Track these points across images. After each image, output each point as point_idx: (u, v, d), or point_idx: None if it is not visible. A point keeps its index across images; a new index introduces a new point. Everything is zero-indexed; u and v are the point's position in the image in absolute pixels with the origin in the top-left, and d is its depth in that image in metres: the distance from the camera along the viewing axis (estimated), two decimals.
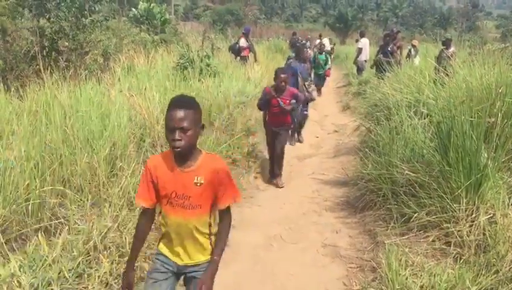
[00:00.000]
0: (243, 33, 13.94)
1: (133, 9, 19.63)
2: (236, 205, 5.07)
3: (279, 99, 6.14)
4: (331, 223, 5.19)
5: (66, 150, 4.59)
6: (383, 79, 9.53)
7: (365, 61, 15.19)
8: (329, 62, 14.58)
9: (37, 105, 5.63)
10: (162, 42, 15.40)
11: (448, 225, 4.04)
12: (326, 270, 4.19)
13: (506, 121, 4.42)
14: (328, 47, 19.05)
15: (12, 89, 6.14)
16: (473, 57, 7.39)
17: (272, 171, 6.67)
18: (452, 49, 10.31)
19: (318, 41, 19.72)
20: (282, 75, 6.10)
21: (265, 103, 6.31)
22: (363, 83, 13.34)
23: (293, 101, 6.21)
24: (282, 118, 6.38)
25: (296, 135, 9.02)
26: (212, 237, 2.41)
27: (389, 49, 11.75)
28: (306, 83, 8.26)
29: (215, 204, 2.36)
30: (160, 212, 2.43)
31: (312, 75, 11.56)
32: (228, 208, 2.40)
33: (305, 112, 9.04)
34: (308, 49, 15.41)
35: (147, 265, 3.79)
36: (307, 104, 8.88)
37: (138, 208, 4.28)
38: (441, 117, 4.73)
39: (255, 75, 12.16)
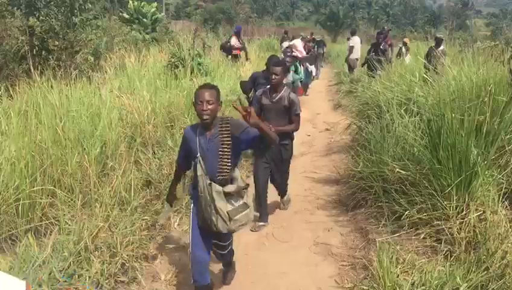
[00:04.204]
0: (234, 32, 13.93)
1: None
2: None
3: None
4: (323, 221, 5.20)
5: (57, 149, 4.57)
6: (373, 77, 9.55)
7: (356, 59, 15.23)
8: (301, 73, 10.66)
9: (27, 105, 5.59)
10: (153, 41, 15.35)
11: (439, 223, 4.06)
12: (318, 268, 4.20)
13: (495, 118, 4.44)
14: (302, 53, 12.57)
15: (2, 89, 6.08)
16: (463, 55, 7.43)
17: None
18: (442, 47, 10.36)
19: (286, 43, 14.78)
20: None
21: None
22: (354, 81, 13.36)
23: None
24: None
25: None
26: None
27: (381, 47, 11.82)
28: None
29: None
30: None
31: None
32: None
33: None
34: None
35: (138, 265, 3.79)
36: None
37: (130, 208, 4.28)
38: (431, 115, 4.75)
39: (246, 74, 12.15)
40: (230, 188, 3.17)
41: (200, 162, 3.15)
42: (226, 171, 3.13)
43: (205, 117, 3.04)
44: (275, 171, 5.11)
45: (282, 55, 9.91)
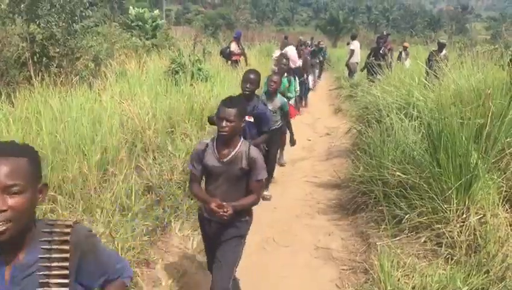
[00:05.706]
0: (234, 37, 13.95)
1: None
2: None
3: None
4: (324, 225, 5.21)
5: (57, 155, 4.58)
6: (373, 82, 9.57)
7: (357, 63, 15.27)
8: (296, 89, 8.47)
9: (27, 111, 5.61)
10: (153, 47, 15.37)
11: (440, 226, 4.06)
12: (318, 272, 4.20)
13: (495, 122, 4.45)
14: (296, 62, 10.75)
15: (3, 95, 6.10)
16: (462, 58, 7.44)
17: None
18: (444, 52, 10.37)
19: (277, 52, 12.16)
20: None
21: None
22: (354, 85, 13.39)
23: None
24: None
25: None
26: None
27: (380, 51, 11.86)
28: None
29: None
30: None
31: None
32: None
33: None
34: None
35: (139, 270, 3.79)
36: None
37: (131, 214, 4.28)
38: (431, 119, 4.76)
39: None
40: None
41: None
42: None
43: None
44: (216, 254, 3.15)
45: (275, 67, 8.97)
